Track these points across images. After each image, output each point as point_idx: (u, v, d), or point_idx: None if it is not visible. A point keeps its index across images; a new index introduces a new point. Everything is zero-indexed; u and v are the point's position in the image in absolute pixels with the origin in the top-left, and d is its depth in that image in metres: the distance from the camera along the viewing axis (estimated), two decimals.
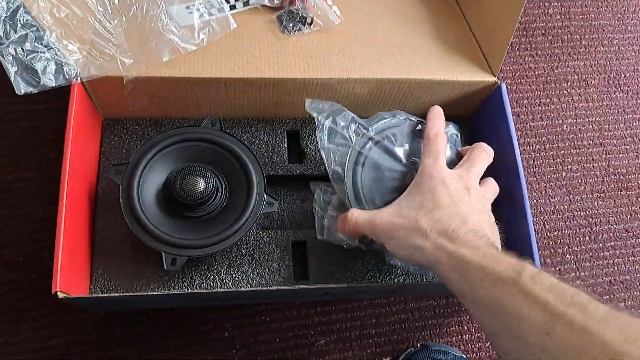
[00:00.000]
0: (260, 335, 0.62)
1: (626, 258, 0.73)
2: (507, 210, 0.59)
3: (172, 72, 0.55)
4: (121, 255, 0.56)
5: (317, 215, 0.57)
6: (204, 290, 0.56)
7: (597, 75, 0.84)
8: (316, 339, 0.63)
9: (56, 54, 0.51)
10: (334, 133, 0.55)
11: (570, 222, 0.74)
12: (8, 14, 0.50)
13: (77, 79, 0.53)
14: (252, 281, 0.57)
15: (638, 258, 0.73)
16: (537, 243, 0.56)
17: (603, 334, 0.34)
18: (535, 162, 0.77)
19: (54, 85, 0.52)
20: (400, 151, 0.55)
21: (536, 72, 0.83)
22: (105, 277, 0.55)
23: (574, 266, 0.72)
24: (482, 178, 0.54)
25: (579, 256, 0.72)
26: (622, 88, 0.83)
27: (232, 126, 0.63)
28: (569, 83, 0.83)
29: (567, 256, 0.72)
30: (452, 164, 0.54)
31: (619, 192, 0.77)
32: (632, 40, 0.87)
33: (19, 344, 0.59)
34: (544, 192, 0.75)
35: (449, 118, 0.60)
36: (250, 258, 0.58)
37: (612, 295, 0.71)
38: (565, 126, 0.80)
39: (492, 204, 0.53)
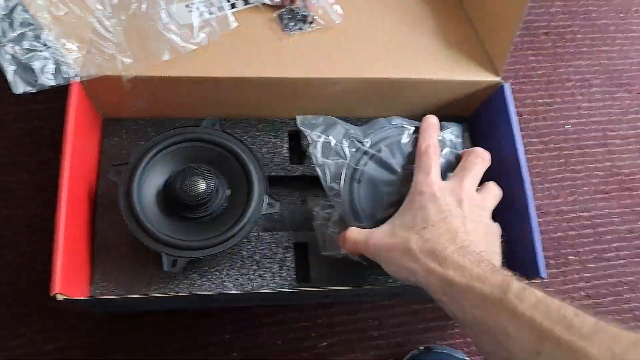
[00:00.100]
0: (260, 337, 0.62)
1: (630, 259, 0.72)
2: (510, 211, 0.58)
3: (171, 71, 0.54)
4: (121, 257, 0.55)
5: (318, 232, 0.57)
6: (205, 293, 0.55)
7: (601, 75, 0.83)
8: (318, 341, 0.63)
9: (55, 53, 0.51)
10: (328, 148, 0.54)
11: (573, 223, 0.73)
12: (6, 12, 0.49)
13: (76, 79, 0.52)
14: (253, 283, 0.57)
15: None
16: (541, 244, 0.56)
17: (589, 351, 0.33)
18: (539, 162, 0.76)
19: (53, 84, 0.51)
20: (396, 163, 0.54)
21: (539, 72, 0.82)
22: (105, 279, 0.54)
23: (578, 267, 0.71)
24: (483, 181, 0.53)
25: (582, 257, 0.72)
26: (625, 88, 0.83)
27: (232, 126, 0.62)
28: (572, 83, 0.82)
29: (571, 257, 0.72)
30: (451, 169, 0.54)
31: (623, 193, 0.76)
32: (635, 40, 0.86)
33: (15, 348, 0.58)
34: (547, 192, 0.74)
35: (450, 118, 0.59)
36: (251, 260, 0.57)
37: (616, 297, 0.70)
38: (568, 126, 0.79)
39: (495, 207, 0.52)
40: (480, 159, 0.53)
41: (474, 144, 0.66)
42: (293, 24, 0.60)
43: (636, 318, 0.70)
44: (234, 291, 0.56)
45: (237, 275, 0.57)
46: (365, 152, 0.54)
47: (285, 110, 0.62)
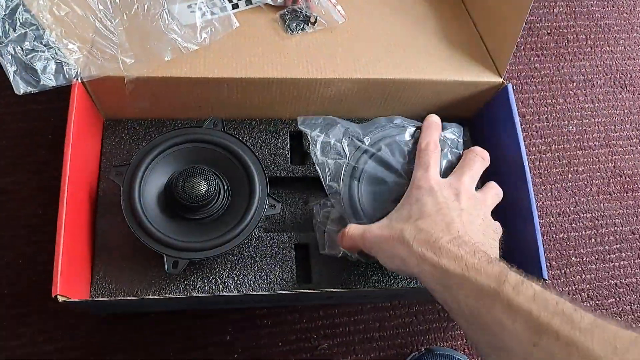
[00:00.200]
0: (262, 339, 0.62)
1: (632, 260, 0.72)
2: (513, 212, 0.58)
3: (173, 72, 0.54)
4: (122, 258, 0.55)
5: (318, 231, 0.57)
6: (206, 294, 0.55)
7: (603, 75, 0.83)
8: (319, 342, 0.63)
9: (56, 54, 0.51)
10: (328, 147, 0.55)
11: (576, 224, 0.73)
12: (7, 12, 0.49)
13: (77, 79, 0.52)
14: (254, 284, 0.56)
15: None
16: (543, 245, 0.55)
17: (589, 345, 0.33)
18: (541, 163, 0.76)
19: (54, 85, 0.51)
20: (396, 162, 0.54)
21: (542, 72, 0.82)
22: (106, 280, 0.54)
23: (580, 268, 0.71)
24: (484, 182, 0.53)
25: (584, 258, 0.72)
26: (628, 88, 0.82)
27: (234, 127, 0.62)
28: (574, 83, 0.82)
29: (573, 258, 0.72)
30: (451, 169, 0.53)
31: (625, 194, 0.76)
32: (638, 40, 0.86)
33: (15, 348, 0.58)
34: (549, 193, 0.74)
35: (452, 119, 0.59)
36: (252, 261, 0.57)
37: (617, 299, 0.70)
38: (571, 127, 0.79)
39: (497, 207, 0.52)
40: (480, 158, 0.53)
41: (476, 145, 0.65)
42: (295, 24, 0.60)
43: (637, 319, 0.70)
44: (235, 293, 0.56)
45: (238, 276, 0.56)
46: (365, 151, 0.54)
47: (287, 111, 0.62)
